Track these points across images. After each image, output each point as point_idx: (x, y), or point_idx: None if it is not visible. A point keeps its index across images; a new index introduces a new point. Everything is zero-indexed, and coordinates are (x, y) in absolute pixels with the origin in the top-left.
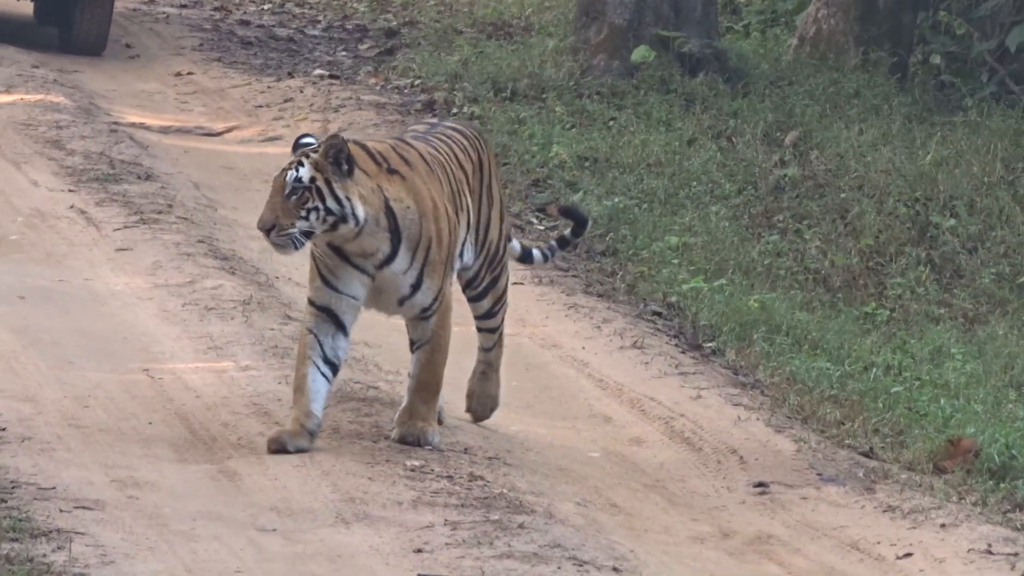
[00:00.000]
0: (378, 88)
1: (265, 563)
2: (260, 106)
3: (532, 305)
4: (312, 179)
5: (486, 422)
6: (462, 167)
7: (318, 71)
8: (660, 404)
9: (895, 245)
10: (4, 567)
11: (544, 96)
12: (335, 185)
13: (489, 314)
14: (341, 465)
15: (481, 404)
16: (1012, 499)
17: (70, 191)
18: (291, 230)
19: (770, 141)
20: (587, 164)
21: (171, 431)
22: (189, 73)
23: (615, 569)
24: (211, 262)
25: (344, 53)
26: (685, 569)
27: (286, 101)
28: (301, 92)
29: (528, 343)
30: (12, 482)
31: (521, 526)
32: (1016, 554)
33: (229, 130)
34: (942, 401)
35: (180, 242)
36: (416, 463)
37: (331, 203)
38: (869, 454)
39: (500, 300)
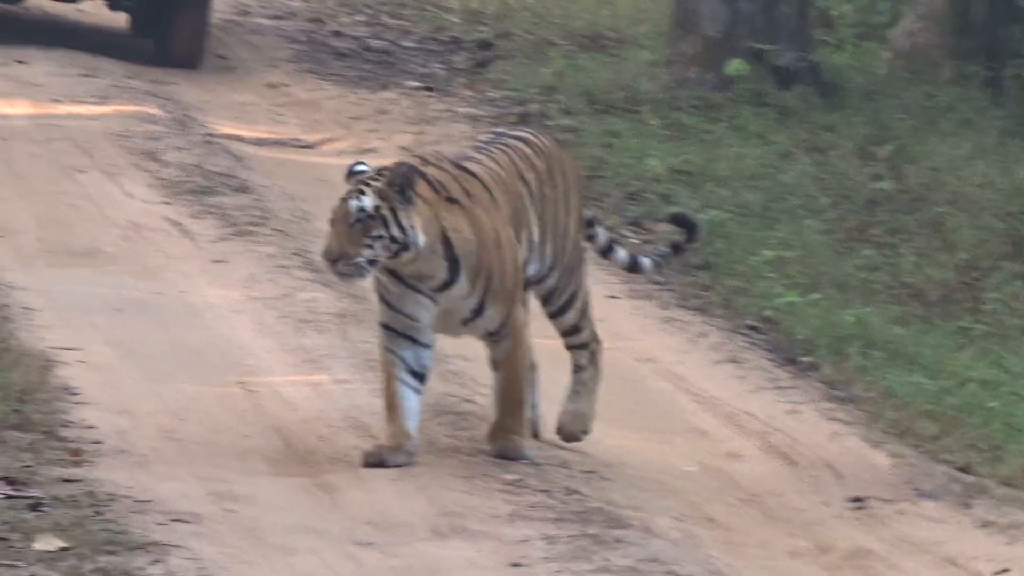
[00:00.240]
0: (472, 100)
1: None
2: (354, 118)
3: (627, 319)
4: (377, 207)
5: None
6: (523, 178)
7: (412, 83)
8: (756, 418)
9: (990, 259)
10: None
11: (639, 109)
12: (400, 213)
13: (575, 329)
14: (438, 479)
15: (571, 425)
16: None
17: (165, 203)
18: (358, 259)
19: (865, 155)
20: (682, 177)
21: (267, 444)
22: (283, 85)
23: None
24: (306, 274)
25: (438, 65)
26: None
27: (380, 113)
28: (395, 104)
29: (624, 357)
30: (108, 495)
31: (618, 540)
32: None
33: (323, 142)
34: None
35: (275, 254)
36: (513, 477)
37: (395, 231)
38: (966, 469)
39: (584, 314)
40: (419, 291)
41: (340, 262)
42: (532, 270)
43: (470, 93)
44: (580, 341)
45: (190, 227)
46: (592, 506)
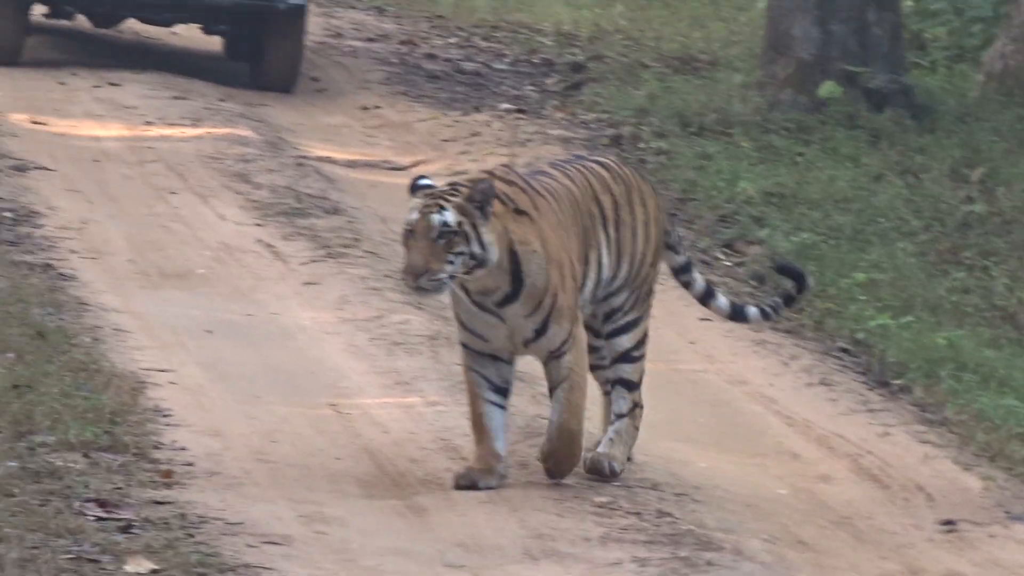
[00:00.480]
0: (565, 122)
1: None
2: (446, 140)
3: (720, 341)
4: (459, 223)
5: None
6: (598, 200)
7: (505, 105)
8: (847, 441)
9: None
10: None
11: (731, 131)
12: (480, 229)
13: (628, 357)
14: (529, 501)
15: (599, 463)
16: None
17: (257, 225)
18: (441, 275)
19: (957, 177)
20: (774, 200)
21: (358, 466)
22: (376, 107)
23: None
24: (398, 296)
25: (531, 87)
26: None
27: (473, 135)
28: (488, 126)
29: (716, 380)
30: (200, 517)
31: (709, 563)
32: None
33: (416, 164)
34: None
35: (367, 276)
36: (604, 499)
37: (476, 247)
38: None
39: (641, 346)
40: (484, 308)
41: (424, 277)
42: (600, 292)
43: (562, 115)
44: (628, 377)
45: (282, 249)
46: (683, 529)
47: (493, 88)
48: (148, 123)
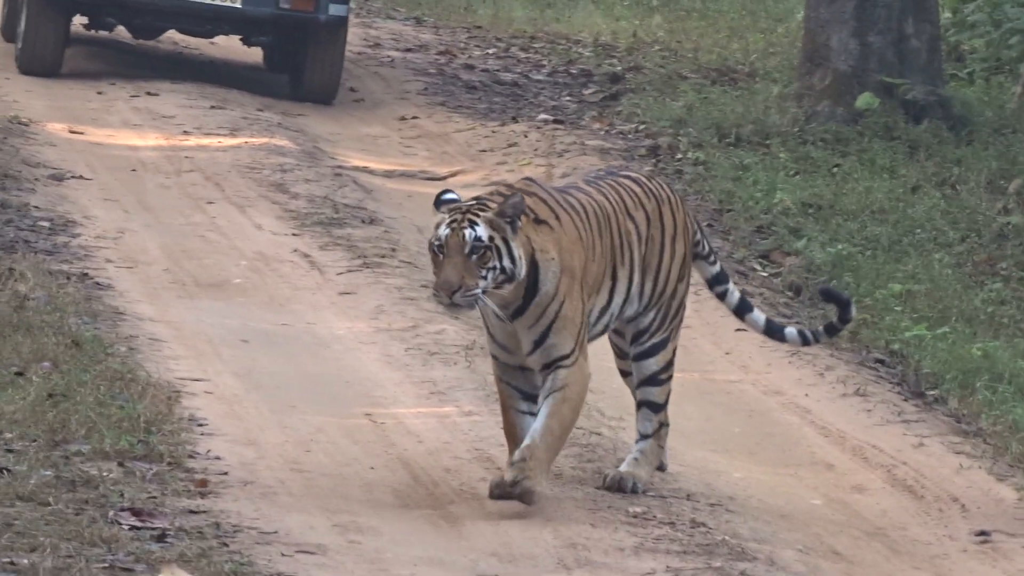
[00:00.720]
0: (602, 133)
1: None
2: (484, 151)
3: (755, 352)
4: (491, 238)
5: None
6: (631, 216)
7: (542, 116)
8: (882, 452)
9: None
10: None
11: (768, 142)
12: (511, 244)
13: (654, 380)
14: (563, 511)
15: (622, 480)
16: None
17: (294, 235)
18: (475, 290)
19: (994, 189)
20: (811, 211)
21: (393, 476)
22: (413, 117)
23: None
24: (434, 307)
25: (569, 98)
26: None
27: (510, 146)
28: (525, 137)
29: (751, 390)
30: (234, 526)
31: (743, 573)
32: None
33: (453, 174)
34: None
35: (403, 286)
36: (638, 509)
37: (507, 262)
38: None
39: (668, 368)
40: (500, 318)
41: (458, 293)
42: (630, 311)
43: (600, 126)
44: (654, 399)
45: (318, 259)
46: (717, 539)
47: (531, 99)
48: (185, 133)
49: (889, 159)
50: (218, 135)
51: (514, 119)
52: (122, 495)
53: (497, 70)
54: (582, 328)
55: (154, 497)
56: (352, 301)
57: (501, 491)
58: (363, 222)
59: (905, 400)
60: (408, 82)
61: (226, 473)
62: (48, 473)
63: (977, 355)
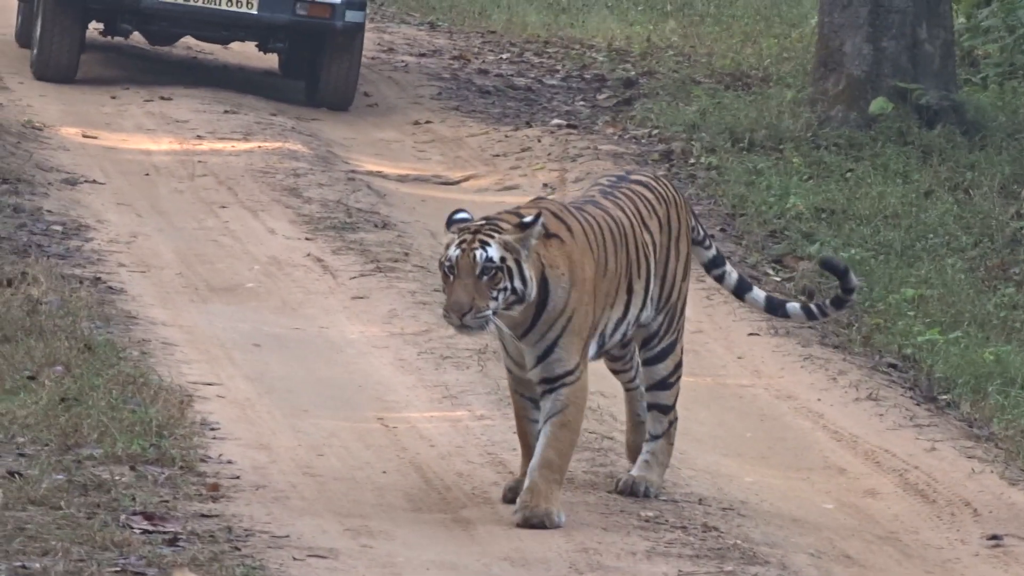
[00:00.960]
0: (616, 138)
1: None
2: (497, 155)
3: (768, 356)
4: (503, 259)
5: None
6: (647, 226)
7: (556, 120)
8: (894, 456)
9: None
10: None
11: (781, 147)
12: (523, 265)
13: (664, 384)
14: (575, 515)
15: (634, 486)
16: None
17: (307, 239)
18: (486, 312)
19: (1007, 194)
20: (824, 215)
21: (405, 480)
22: (427, 122)
23: None
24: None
25: (582, 103)
26: None
27: (524, 150)
28: (539, 141)
29: (764, 394)
30: (246, 530)
31: None
32: None
33: (466, 179)
34: None
35: (416, 291)
36: (650, 513)
37: (518, 283)
38: None
39: (676, 371)
40: (510, 337)
41: (469, 314)
42: (644, 317)
43: (613, 131)
44: (664, 402)
45: (331, 263)
46: (729, 543)
47: (544, 103)
48: (199, 137)
49: (902, 164)
50: (231, 139)
51: (528, 124)
52: (134, 499)
53: (511, 75)
54: (587, 341)
55: (166, 501)
56: (365, 305)
57: (514, 495)
58: (376, 226)
59: (917, 404)
60: (422, 87)
61: (238, 477)
62: (60, 477)
63: (989, 359)
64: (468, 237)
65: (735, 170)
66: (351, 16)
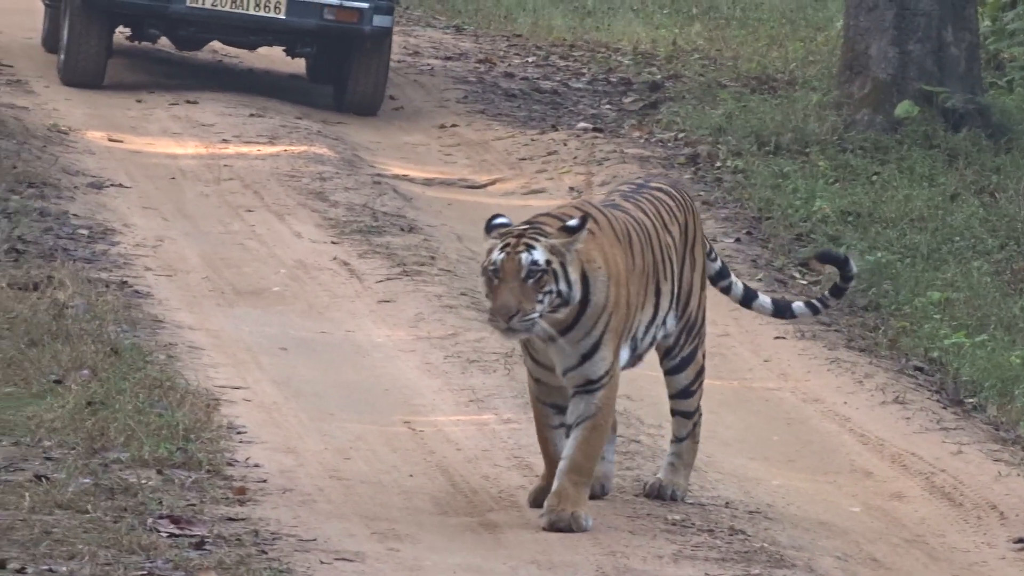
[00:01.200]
0: (642, 141)
1: None
2: (523, 159)
3: (794, 359)
4: (548, 262)
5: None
6: (668, 230)
7: (582, 124)
8: (921, 459)
9: None
10: None
11: (807, 150)
12: (568, 267)
13: (687, 392)
14: (602, 518)
15: (661, 491)
16: None
17: (333, 243)
18: (533, 315)
19: None
20: (850, 219)
21: (432, 484)
22: (453, 125)
23: None
24: (473, 314)
25: (608, 106)
26: None
27: (550, 154)
28: (565, 145)
29: (790, 397)
30: (273, 533)
31: None
32: None
33: (492, 182)
34: None
35: (442, 294)
36: (677, 517)
37: (563, 285)
38: None
39: (698, 377)
40: (552, 339)
41: (516, 318)
42: (671, 324)
43: (639, 134)
44: (686, 408)
45: (357, 267)
46: (756, 546)
47: (570, 107)
48: (225, 141)
49: (928, 167)
50: (257, 143)
51: (553, 127)
52: (161, 503)
53: (537, 78)
54: (621, 342)
55: (193, 504)
56: (391, 309)
57: (550, 528)
58: (402, 230)
59: (944, 408)
60: (448, 90)
61: (265, 481)
62: (87, 481)
63: (1016, 363)
64: (512, 241)
65: (761, 173)
66: (379, 21)
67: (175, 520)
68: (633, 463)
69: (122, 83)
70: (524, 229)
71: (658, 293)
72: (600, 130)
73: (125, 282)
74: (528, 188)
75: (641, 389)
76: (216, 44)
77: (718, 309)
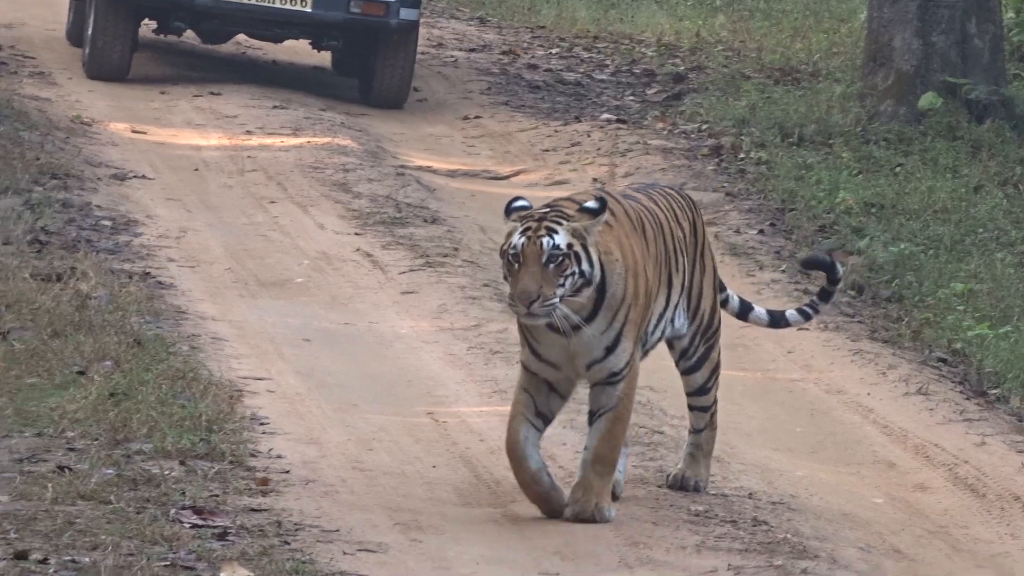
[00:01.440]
0: (665, 133)
1: None
2: (547, 150)
3: (817, 351)
4: (569, 245)
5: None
6: (679, 224)
7: (605, 115)
8: (944, 450)
9: None
10: None
11: (831, 142)
12: (590, 249)
13: (703, 390)
14: (625, 509)
15: (682, 483)
16: None
17: (356, 234)
18: (554, 299)
19: None
20: (873, 210)
21: (455, 475)
22: (476, 117)
23: None
24: (496, 305)
25: (632, 98)
26: None
27: (573, 145)
28: (588, 136)
29: (813, 388)
30: (296, 524)
31: (804, 572)
32: None
33: (516, 174)
34: None
35: (466, 285)
36: (700, 508)
37: (586, 266)
38: None
39: (714, 375)
40: (558, 330)
41: (537, 302)
42: (680, 322)
43: (663, 126)
44: (703, 404)
45: (381, 258)
46: (779, 537)
47: (594, 98)
48: (248, 132)
49: (952, 159)
50: (281, 135)
51: (577, 119)
52: (184, 493)
53: (560, 70)
54: (639, 334)
55: (216, 495)
56: (414, 300)
57: (573, 519)
58: (426, 221)
59: (967, 399)
60: (471, 82)
61: (288, 472)
62: (110, 472)
63: None
64: (533, 225)
65: (784, 165)
66: (405, 14)
67: (198, 511)
68: (656, 454)
69: (146, 75)
70: (545, 212)
71: (669, 284)
72: (623, 121)
73: (148, 273)
74: (551, 179)
75: (665, 380)
76: (240, 36)
77: None
